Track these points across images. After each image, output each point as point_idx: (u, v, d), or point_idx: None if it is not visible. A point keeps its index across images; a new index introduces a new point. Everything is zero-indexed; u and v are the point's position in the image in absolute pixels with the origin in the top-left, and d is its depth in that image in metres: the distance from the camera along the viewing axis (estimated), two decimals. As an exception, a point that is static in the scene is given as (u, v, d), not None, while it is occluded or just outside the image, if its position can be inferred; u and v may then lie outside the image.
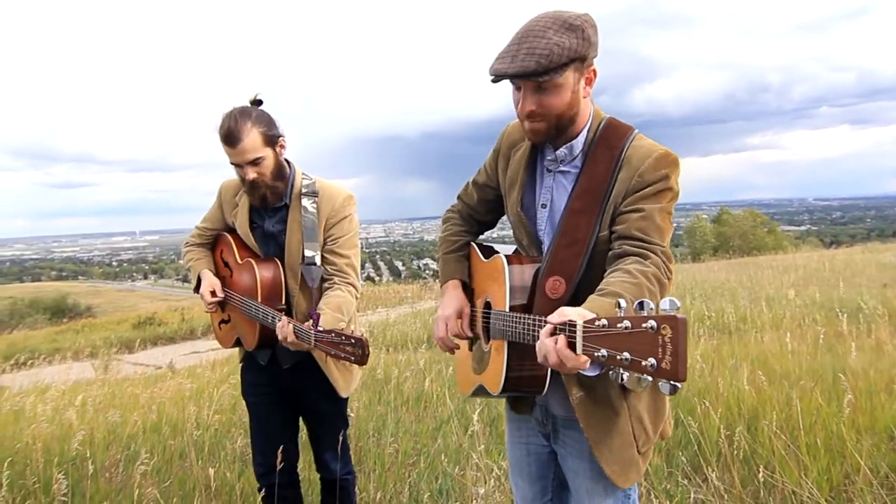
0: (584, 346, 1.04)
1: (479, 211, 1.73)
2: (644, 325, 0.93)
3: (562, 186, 1.46)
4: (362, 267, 2.34)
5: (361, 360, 1.82)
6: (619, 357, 0.96)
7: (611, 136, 1.42)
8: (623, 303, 0.99)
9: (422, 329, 8.18)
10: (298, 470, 2.45)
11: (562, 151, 1.45)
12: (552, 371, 1.38)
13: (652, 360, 0.91)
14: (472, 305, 1.64)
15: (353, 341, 1.81)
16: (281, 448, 2.25)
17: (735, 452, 2.69)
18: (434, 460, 3.19)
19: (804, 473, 2.60)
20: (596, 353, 1.01)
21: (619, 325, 0.97)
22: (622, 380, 0.99)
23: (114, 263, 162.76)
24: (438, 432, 3.59)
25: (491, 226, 1.78)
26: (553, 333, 1.11)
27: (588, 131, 1.44)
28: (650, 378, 0.94)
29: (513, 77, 1.33)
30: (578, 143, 1.44)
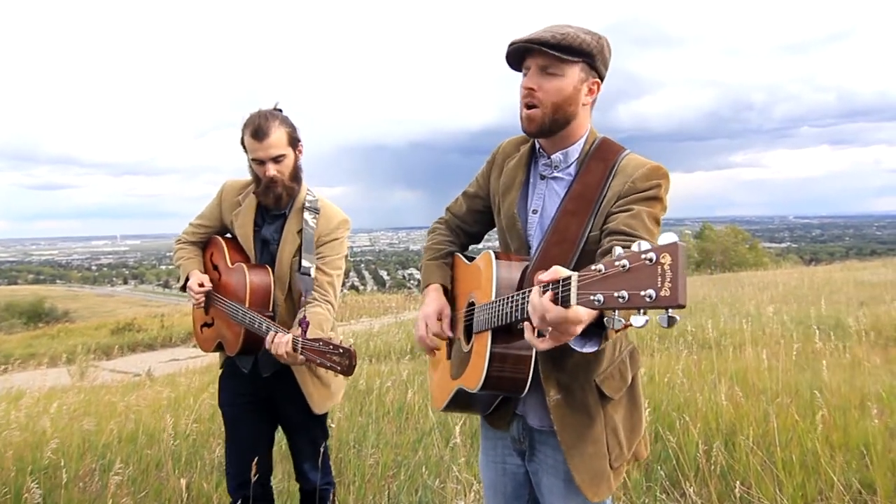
0: (578, 294, 0.99)
1: (467, 221, 1.75)
2: (643, 257, 0.90)
3: (554, 192, 1.50)
4: (347, 275, 2.36)
5: (348, 370, 1.81)
6: (615, 296, 0.92)
7: (605, 151, 1.47)
8: (619, 250, 0.96)
9: (405, 340, 8.16)
10: (276, 481, 2.43)
11: (557, 156, 1.49)
12: (533, 373, 1.37)
13: (650, 292, 0.88)
14: (454, 310, 1.64)
15: (340, 351, 1.81)
16: (255, 460, 2.22)
17: (712, 467, 2.72)
18: (414, 472, 3.18)
19: (779, 489, 2.64)
20: (592, 298, 0.96)
21: (616, 264, 0.94)
22: (615, 327, 0.96)
23: (93, 268, 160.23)
24: (419, 444, 3.57)
25: (477, 239, 1.79)
26: (544, 291, 1.07)
27: (584, 143, 1.49)
28: (646, 318, 0.91)
29: (527, 43, 1.39)
30: (574, 151, 1.49)
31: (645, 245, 0.91)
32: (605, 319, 0.98)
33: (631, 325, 0.94)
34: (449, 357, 1.65)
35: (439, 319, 1.58)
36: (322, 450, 2.31)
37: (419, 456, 3.36)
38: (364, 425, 3.98)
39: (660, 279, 0.88)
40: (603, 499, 1.46)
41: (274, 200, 2.14)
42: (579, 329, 1.07)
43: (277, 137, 2.06)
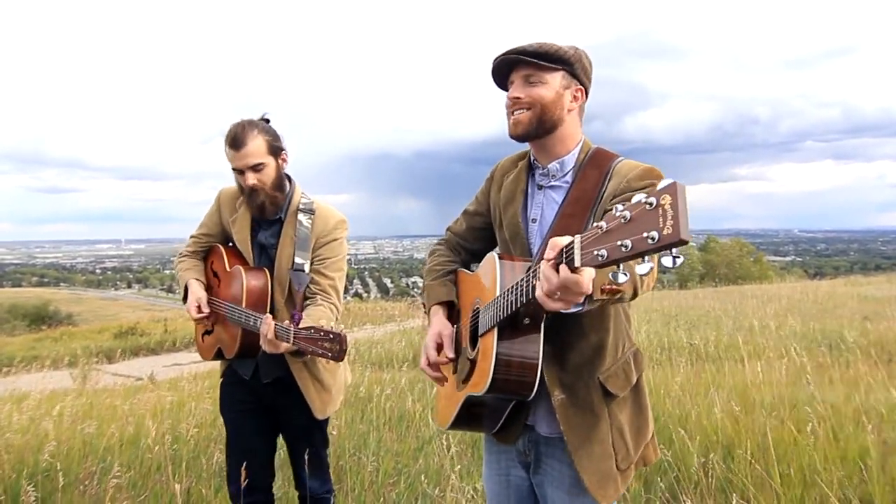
0: (582, 254, 1.00)
1: (468, 238, 1.78)
2: (643, 202, 0.90)
3: (552, 201, 1.54)
4: (350, 283, 2.36)
5: (339, 355, 1.82)
6: (619, 245, 0.92)
7: (600, 159, 1.52)
8: (619, 206, 0.95)
9: (407, 347, 8.16)
10: (275, 488, 2.43)
11: (553, 166, 1.54)
12: (540, 376, 1.38)
13: (653, 233, 0.87)
14: (460, 322, 1.66)
15: (331, 336, 1.83)
16: (258, 467, 2.23)
17: (711, 480, 2.71)
18: (414, 481, 3.18)
19: (778, 502, 2.63)
20: (595, 254, 0.96)
21: (617, 216, 0.93)
22: (620, 281, 0.95)
23: (97, 271, 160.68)
24: (420, 452, 3.58)
25: (479, 256, 1.80)
26: (549, 261, 1.08)
27: (579, 152, 1.54)
28: (650, 264, 0.90)
29: (509, 54, 1.48)
30: (569, 160, 1.54)
31: (643, 195, 0.91)
32: (609, 275, 0.97)
33: (636, 274, 0.93)
34: (455, 371, 1.65)
35: (439, 345, 1.60)
36: (322, 457, 2.32)
37: (419, 464, 3.36)
38: (364, 433, 3.98)
39: (661, 219, 0.87)
40: (610, 501, 1.46)
41: (258, 209, 2.15)
42: (587, 289, 1.06)
43: (255, 146, 2.06)
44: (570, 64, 1.49)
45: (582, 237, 1.00)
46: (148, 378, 7.76)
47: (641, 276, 0.92)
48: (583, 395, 1.47)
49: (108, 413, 4.91)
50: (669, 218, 0.86)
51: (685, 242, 0.85)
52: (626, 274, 0.95)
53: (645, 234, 0.88)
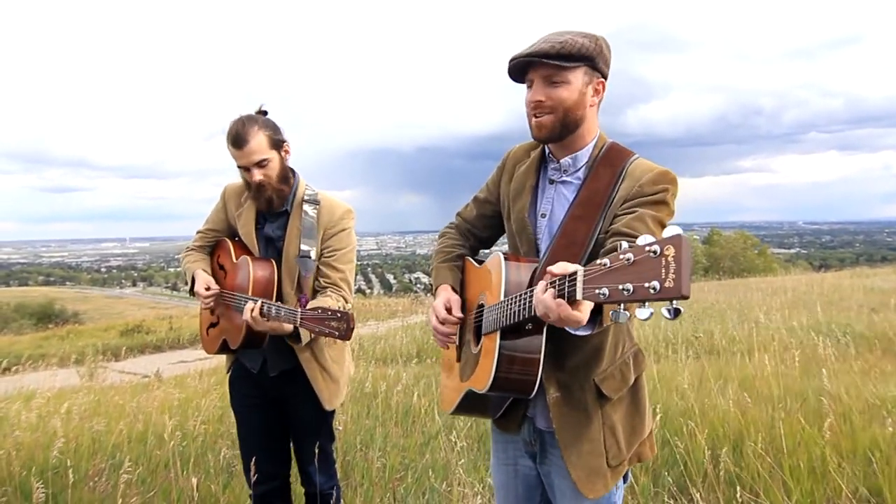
0: (584, 289, 1.02)
1: (478, 226, 1.77)
2: (647, 249, 0.92)
3: (562, 197, 1.52)
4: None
5: (346, 334, 1.82)
6: (620, 289, 0.94)
7: (613, 157, 1.49)
8: (624, 244, 0.97)
9: (411, 343, 8.17)
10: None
11: (566, 161, 1.52)
12: (541, 375, 1.38)
13: (655, 283, 0.90)
14: (465, 312, 1.65)
15: (338, 315, 1.82)
16: (269, 458, 2.25)
17: (720, 473, 2.71)
18: (421, 476, 3.19)
19: (787, 495, 2.62)
20: (597, 292, 0.98)
21: (621, 258, 0.95)
22: (620, 320, 0.97)
23: (102, 270, 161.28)
24: (426, 447, 3.58)
25: (488, 243, 1.81)
26: (551, 285, 1.11)
27: (594, 147, 1.51)
28: (650, 310, 0.93)
29: (528, 57, 1.42)
30: (583, 155, 1.51)
31: (649, 238, 0.93)
32: (610, 313, 1.00)
33: (636, 318, 0.96)
34: (459, 359, 1.66)
35: (448, 309, 1.60)
36: (328, 452, 2.32)
37: (426, 459, 3.37)
38: (371, 428, 3.99)
39: (664, 271, 0.89)
40: (599, 496, 1.48)
41: (266, 204, 2.16)
42: (584, 321, 1.10)
43: (257, 143, 2.06)
44: (591, 59, 1.43)
45: (586, 271, 1.02)
46: (154, 375, 7.78)
47: (641, 319, 0.95)
48: (577, 395, 1.47)
49: (115, 410, 4.94)
50: (672, 271, 0.89)
51: (686, 297, 0.88)
52: (626, 313, 0.98)
53: (647, 284, 0.91)
